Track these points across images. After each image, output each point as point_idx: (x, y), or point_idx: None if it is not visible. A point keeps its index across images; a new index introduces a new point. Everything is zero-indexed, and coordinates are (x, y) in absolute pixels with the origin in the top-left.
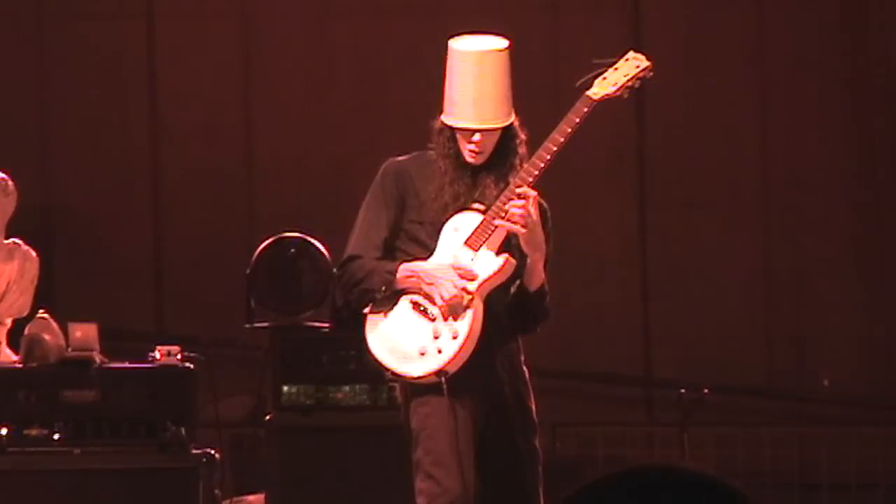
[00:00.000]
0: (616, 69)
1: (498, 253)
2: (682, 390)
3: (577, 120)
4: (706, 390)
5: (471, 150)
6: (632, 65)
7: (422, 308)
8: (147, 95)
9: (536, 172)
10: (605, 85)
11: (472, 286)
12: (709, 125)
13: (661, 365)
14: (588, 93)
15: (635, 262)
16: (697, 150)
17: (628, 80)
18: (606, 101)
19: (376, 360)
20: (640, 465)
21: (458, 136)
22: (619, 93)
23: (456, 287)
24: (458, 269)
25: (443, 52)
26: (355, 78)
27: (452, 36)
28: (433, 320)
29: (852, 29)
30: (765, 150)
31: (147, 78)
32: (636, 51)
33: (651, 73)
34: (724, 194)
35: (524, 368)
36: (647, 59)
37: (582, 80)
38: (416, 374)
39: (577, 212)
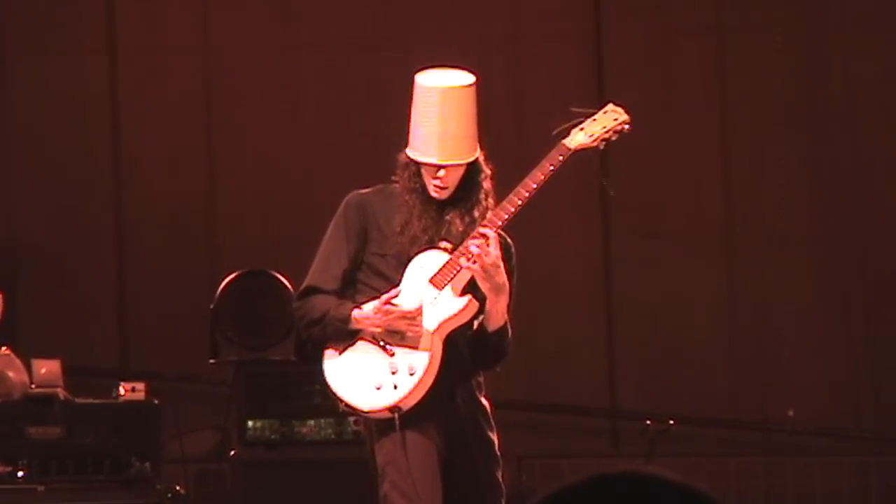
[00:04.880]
0: (594, 120)
1: (462, 294)
2: (648, 421)
3: (552, 168)
4: (672, 421)
5: (436, 186)
6: (610, 117)
7: (381, 343)
8: (109, 130)
9: (506, 216)
10: (582, 136)
11: (432, 322)
12: (671, 155)
13: (626, 396)
14: (564, 141)
15: (600, 293)
16: (660, 180)
17: (605, 133)
18: (582, 152)
19: (331, 392)
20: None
21: (423, 170)
22: (595, 144)
23: (404, 326)
24: (398, 310)
25: (408, 85)
26: (319, 111)
27: (417, 69)
28: (391, 355)
29: (813, 58)
30: (727, 180)
31: (109, 113)
32: (616, 104)
33: (629, 127)
34: (688, 224)
35: (485, 402)
36: (626, 111)
37: (559, 128)
38: (368, 408)
39: (541, 242)
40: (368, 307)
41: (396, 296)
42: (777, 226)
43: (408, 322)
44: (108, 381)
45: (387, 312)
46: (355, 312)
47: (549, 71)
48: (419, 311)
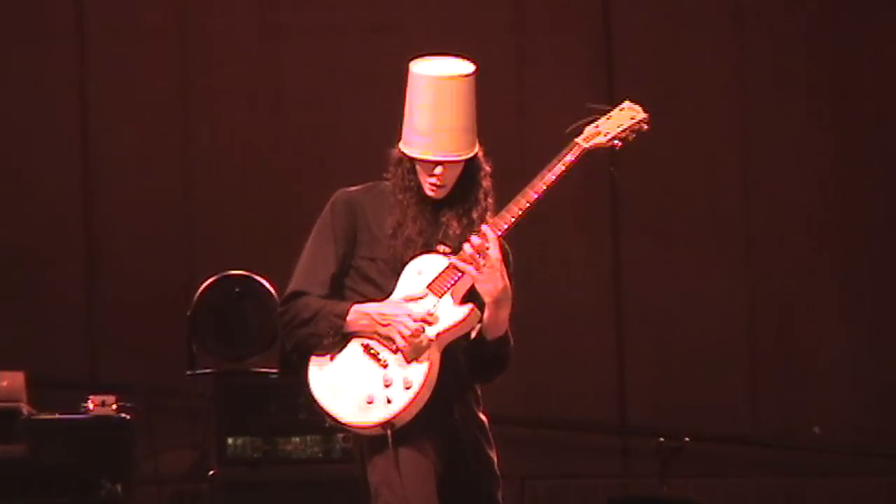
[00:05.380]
0: (609, 118)
1: (463, 302)
2: (661, 438)
3: (563, 168)
4: (686, 438)
5: (431, 184)
6: (627, 115)
7: (373, 352)
8: (78, 123)
9: (513, 219)
10: (597, 134)
11: (431, 331)
12: (686, 152)
13: (637, 411)
14: (577, 140)
15: (608, 299)
16: (674, 179)
17: (622, 132)
18: (595, 151)
19: (317, 405)
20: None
21: (418, 167)
22: (609, 143)
23: (416, 323)
24: (414, 303)
25: (402, 73)
26: (305, 102)
27: (412, 57)
28: (385, 367)
29: (838, 49)
30: (746, 178)
31: (77, 104)
32: (633, 101)
33: (647, 126)
34: (704, 225)
35: (483, 417)
36: (644, 110)
37: (572, 126)
38: (359, 424)
39: (544, 244)
40: (376, 303)
41: (422, 298)
42: (801, 227)
43: (411, 331)
44: (75, 394)
45: (399, 308)
46: (356, 306)
47: (554, 61)
48: (430, 316)
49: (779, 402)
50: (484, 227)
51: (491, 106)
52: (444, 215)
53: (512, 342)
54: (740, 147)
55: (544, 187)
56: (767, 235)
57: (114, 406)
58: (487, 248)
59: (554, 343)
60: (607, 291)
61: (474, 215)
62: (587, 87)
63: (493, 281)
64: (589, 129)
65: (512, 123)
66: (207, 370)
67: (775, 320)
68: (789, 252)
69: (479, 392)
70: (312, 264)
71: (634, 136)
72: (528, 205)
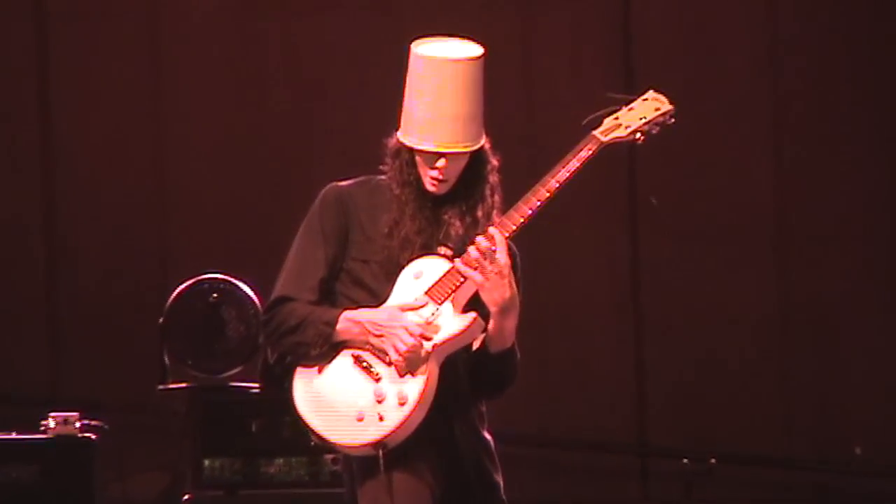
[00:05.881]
0: (631, 109)
1: (465, 310)
2: (685, 460)
3: (578, 164)
4: (713, 459)
5: (432, 178)
6: (650, 106)
7: (365, 364)
8: (37, 112)
9: (522, 220)
10: (617, 126)
11: (427, 345)
12: (713, 141)
13: (659, 430)
14: (595, 132)
15: (627, 307)
16: (698, 173)
17: (644, 124)
18: (615, 146)
19: (303, 423)
20: None
21: (419, 159)
22: (632, 137)
23: (413, 337)
24: (412, 311)
25: (397, 54)
26: (290, 86)
27: (412, 38)
28: (378, 380)
29: (883, 31)
30: (779, 172)
31: (37, 91)
32: (657, 90)
33: (673, 120)
34: (732, 224)
35: (488, 437)
36: (670, 102)
37: (589, 117)
38: (349, 444)
39: (556, 246)
40: (369, 311)
41: (422, 306)
42: (839, 226)
43: (407, 345)
44: (35, 411)
45: (395, 318)
46: (347, 312)
47: (566, 43)
48: (431, 326)
49: (815, 418)
50: (491, 229)
51: (496, 91)
52: (445, 213)
53: (519, 355)
54: (773, 138)
55: (557, 185)
56: (803, 236)
57: (77, 424)
58: (495, 253)
59: (566, 354)
60: (625, 297)
61: (479, 214)
62: (603, 70)
63: (499, 289)
64: (608, 122)
65: (519, 113)
66: (181, 384)
67: (811, 329)
68: (826, 254)
69: (484, 409)
70: (300, 267)
71: (658, 129)
72: (539, 204)
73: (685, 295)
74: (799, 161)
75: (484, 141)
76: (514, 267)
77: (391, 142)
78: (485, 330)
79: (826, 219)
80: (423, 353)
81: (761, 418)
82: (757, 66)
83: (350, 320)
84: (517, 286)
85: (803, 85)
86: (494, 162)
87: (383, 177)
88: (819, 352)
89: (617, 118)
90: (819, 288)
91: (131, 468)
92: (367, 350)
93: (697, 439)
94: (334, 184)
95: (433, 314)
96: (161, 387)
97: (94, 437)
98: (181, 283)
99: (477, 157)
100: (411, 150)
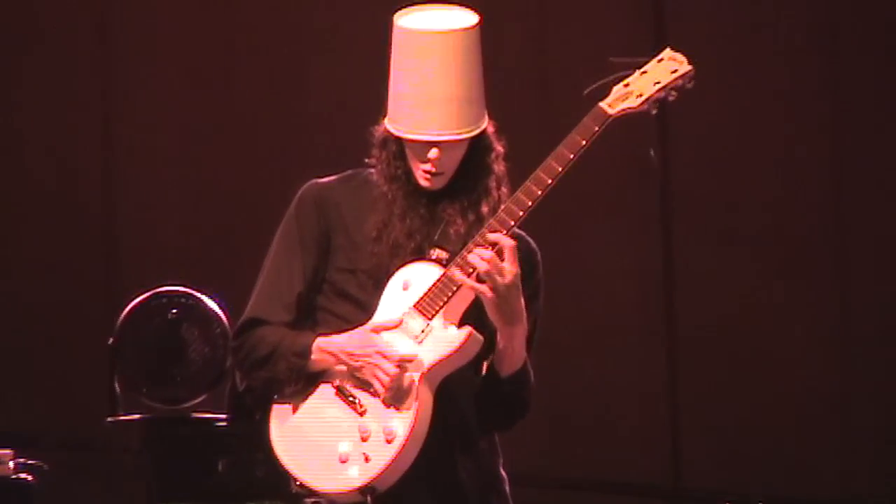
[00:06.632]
0: (644, 73)
1: (460, 324)
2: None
3: (584, 142)
4: (760, 502)
5: (425, 171)
6: (666, 68)
7: (348, 396)
8: None
9: (522, 213)
10: (627, 95)
11: (414, 370)
12: (756, 131)
13: (695, 470)
14: (602, 104)
15: (658, 322)
16: (740, 167)
17: (659, 90)
18: (626, 117)
19: (281, 466)
20: None
21: (409, 150)
22: (644, 107)
23: (393, 370)
24: (388, 331)
25: (385, 30)
26: (261, 72)
27: (398, 7)
28: (362, 414)
29: None
30: (834, 168)
31: None
32: (674, 48)
33: (692, 83)
34: (778, 227)
35: (502, 475)
36: (689, 61)
37: (593, 85)
38: (332, 490)
39: (579, 250)
40: (342, 337)
41: (397, 326)
42: None
43: (389, 376)
44: None
45: (368, 344)
46: (320, 341)
47: (586, 8)
48: (418, 347)
49: (876, 456)
50: (493, 236)
51: (504, 69)
52: (443, 211)
53: (532, 378)
54: (829, 127)
55: (560, 169)
56: (863, 238)
57: (11, 464)
58: (502, 262)
59: (589, 379)
60: (656, 311)
61: (483, 210)
62: (629, 42)
63: (509, 303)
64: (617, 90)
65: (531, 90)
66: (134, 416)
67: (874, 350)
68: (893, 261)
69: (497, 441)
70: (274, 282)
71: (675, 95)
72: (540, 193)
73: (725, 306)
74: (857, 155)
75: (486, 125)
76: (531, 268)
77: (377, 130)
78: (490, 348)
79: (890, 220)
80: (409, 380)
81: (815, 454)
82: (810, 42)
83: (323, 350)
84: (536, 292)
85: (862, 64)
86: (499, 148)
87: (371, 171)
88: (883, 379)
89: (627, 84)
90: (880, 302)
91: None
92: (349, 380)
93: (739, 479)
94: (314, 181)
95: (423, 331)
96: (110, 419)
97: (30, 478)
98: (134, 298)
99: (478, 145)
100: (400, 140)
